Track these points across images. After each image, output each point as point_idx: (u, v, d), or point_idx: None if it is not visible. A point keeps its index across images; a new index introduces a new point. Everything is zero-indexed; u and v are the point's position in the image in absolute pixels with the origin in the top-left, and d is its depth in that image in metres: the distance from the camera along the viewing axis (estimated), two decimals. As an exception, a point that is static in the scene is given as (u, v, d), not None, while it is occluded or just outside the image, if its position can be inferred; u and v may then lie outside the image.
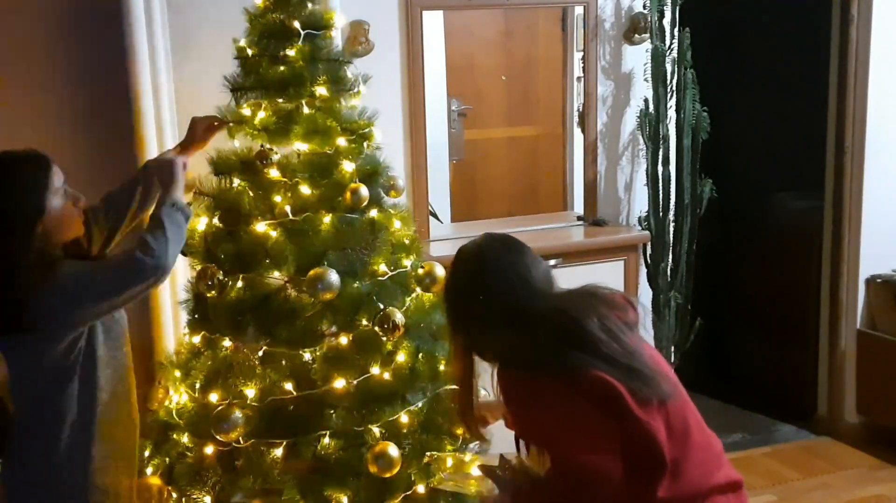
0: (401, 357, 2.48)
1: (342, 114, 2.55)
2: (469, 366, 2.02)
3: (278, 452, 2.37)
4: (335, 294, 2.36)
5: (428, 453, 2.46)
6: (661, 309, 3.89)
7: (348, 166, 2.51)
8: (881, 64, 4.00)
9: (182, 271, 2.99)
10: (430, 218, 3.86)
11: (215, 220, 2.53)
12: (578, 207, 4.09)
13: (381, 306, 2.44)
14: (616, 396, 1.78)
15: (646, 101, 3.84)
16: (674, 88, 3.84)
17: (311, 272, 2.35)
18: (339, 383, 2.40)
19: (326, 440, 2.37)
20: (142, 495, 2.43)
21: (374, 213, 2.56)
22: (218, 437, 2.33)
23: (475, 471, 2.44)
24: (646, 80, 3.86)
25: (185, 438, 2.49)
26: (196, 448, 2.45)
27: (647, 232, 3.88)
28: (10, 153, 2.16)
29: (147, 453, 2.55)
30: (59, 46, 3.30)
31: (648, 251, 3.92)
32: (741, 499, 1.93)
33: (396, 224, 2.62)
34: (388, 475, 2.34)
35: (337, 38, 2.81)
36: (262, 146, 2.47)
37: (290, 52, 2.48)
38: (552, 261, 3.53)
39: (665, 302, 3.90)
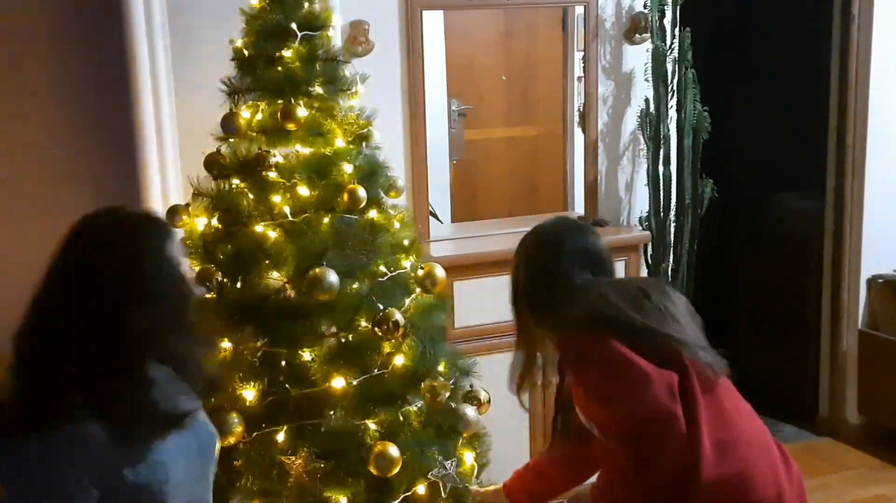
0: (400, 358, 2.48)
1: (340, 114, 2.55)
2: (533, 340, 2.19)
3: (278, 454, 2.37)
4: (334, 295, 2.36)
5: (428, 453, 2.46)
6: (661, 309, 3.88)
7: (347, 167, 2.50)
8: (882, 63, 4.00)
9: (181, 272, 2.98)
10: (431, 218, 3.85)
11: (214, 221, 2.52)
12: (579, 207, 4.08)
13: (381, 307, 2.43)
14: (685, 378, 1.90)
15: (646, 100, 3.83)
16: (674, 88, 3.83)
17: (311, 273, 2.35)
18: (339, 383, 2.40)
19: (323, 430, 2.37)
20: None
21: (373, 213, 2.56)
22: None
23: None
24: (646, 79, 3.85)
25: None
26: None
27: (647, 232, 3.87)
28: None
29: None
30: (59, 47, 3.29)
31: (649, 251, 3.92)
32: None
33: (396, 224, 2.62)
34: (388, 475, 2.33)
35: (335, 37, 2.80)
36: (259, 149, 2.46)
37: (287, 53, 2.47)
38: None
39: (666, 302, 3.89)
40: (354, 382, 2.41)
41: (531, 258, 2.17)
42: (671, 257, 3.95)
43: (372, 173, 2.58)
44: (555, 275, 2.10)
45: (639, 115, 3.87)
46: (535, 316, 2.15)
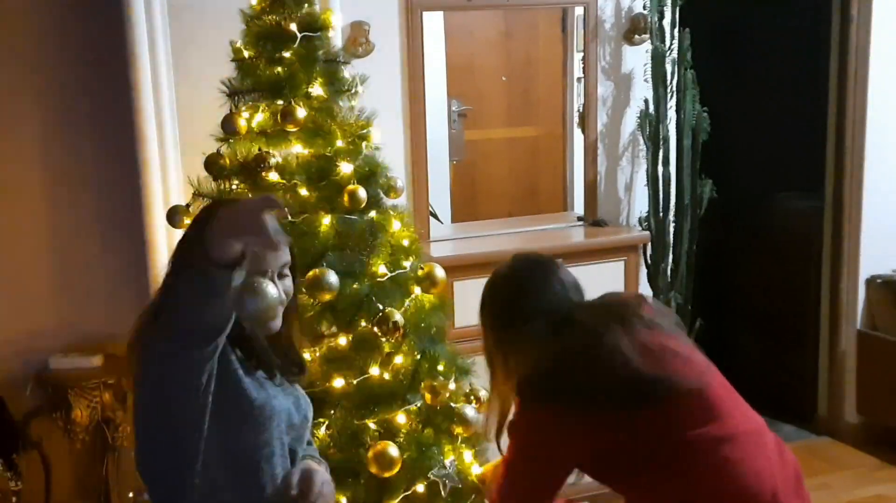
0: (400, 358, 2.49)
1: (340, 115, 2.56)
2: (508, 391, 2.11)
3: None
4: (334, 295, 2.36)
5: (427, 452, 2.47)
6: (661, 309, 3.89)
7: (346, 167, 2.51)
8: (881, 64, 4.00)
9: (182, 272, 2.99)
10: (431, 218, 3.86)
11: (214, 222, 2.53)
12: (579, 208, 4.09)
13: (381, 307, 2.44)
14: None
15: (646, 101, 3.84)
16: (674, 89, 3.84)
17: (311, 273, 2.35)
18: (339, 383, 2.41)
19: (323, 430, 2.38)
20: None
21: (373, 213, 2.56)
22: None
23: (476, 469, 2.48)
24: (646, 80, 3.86)
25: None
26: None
27: (647, 232, 3.88)
28: None
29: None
30: (60, 48, 3.30)
31: (649, 252, 3.92)
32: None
33: (396, 225, 2.62)
34: (387, 475, 2.34)
35: (335, 38, 2.81)
36: (260, 150, 2.47)
37: (287, 54, 2.48)
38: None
39: (665, 302, 3.90)
40: (354, 382, 2.42)
41: (507, 298, 2.11)
42: (670, 257, 3.95)
43: (372, 174, 2.58)
44: (531, 307, 2.05)
45: (638, 115, 3.87)
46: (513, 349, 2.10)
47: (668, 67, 3.81)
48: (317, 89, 2.51)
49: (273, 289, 1.44)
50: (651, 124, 3.82)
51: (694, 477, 1.89)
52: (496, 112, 5.39)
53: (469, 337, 3.33)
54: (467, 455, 2.59)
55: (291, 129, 2.45)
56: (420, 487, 2.44)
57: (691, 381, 1.93)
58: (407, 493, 2.42)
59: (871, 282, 4.14)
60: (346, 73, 2.62)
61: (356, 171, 2.53)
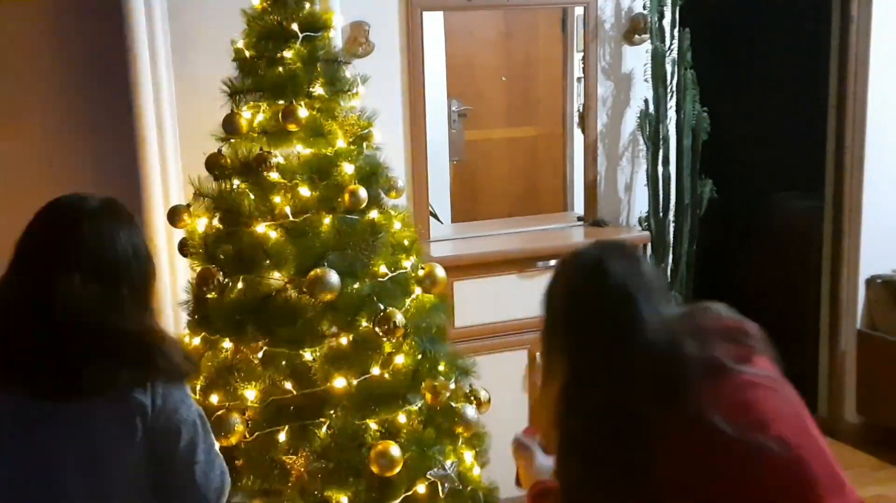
0: (401, 358, 2.49)
1: (341, 115, 2.56)
2: None
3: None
4: (335, 295, 2.37)
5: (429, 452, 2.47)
6: (661, 309, 3.89)
7: (348, 167, 2.51)
8: (881, 64, 4.00)
9: (182, 272, 2.99)
10: (431, 218, 3.86)
11: (215, 222, 2.53)
12: (579, 208, 4.09)
13: (382, 307, 2.44)
14: None
15: (646, 101, 3.84)
16: (674, 89, 3.84)
17: (312, 273, 2.36)
18: (340, 383, 2.41)
19: (324, 430, 2.38)
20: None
21: (374, 213, 2.57)
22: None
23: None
24: (646, 80, 3.86)
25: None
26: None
27: (647, 232, 3.88)
28: None
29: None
30: (60, 47, 3.30)
31: (649, 252, 3.92)
32: None
33: (396, 225, 2.63)
34: (389, 475, 2.34)
35: (336, 39, 2.82)
36: (261, 149, 2.47)
37: (288, 54, 2.48)
38: (552, 262, 3.53)
39: (665, 302, 3.90)
40: (355, 382, 2.42)
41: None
42: (670, 257, 3.95)
43: (372, 174, 2.59)
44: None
45: (638, 115, 3.87)
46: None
47: (668, 67, 3.81)
48: (318, 89, 2.51)
49: None
50: (651, 124, 3.82)
51: None
52: (496, 112, 5.39)
53: (469, 337, 3.34)
54: (468, 456, 2.59)
55: (293, 128, 2.45)
56: (421, 487, 2.44)
57: (785, 448, 1.53)
58: (408, 493, 2.42)
59: (871, 282, 4.14)
60: (347, 73, 2.62)
61: (357, 170, 2.53)
